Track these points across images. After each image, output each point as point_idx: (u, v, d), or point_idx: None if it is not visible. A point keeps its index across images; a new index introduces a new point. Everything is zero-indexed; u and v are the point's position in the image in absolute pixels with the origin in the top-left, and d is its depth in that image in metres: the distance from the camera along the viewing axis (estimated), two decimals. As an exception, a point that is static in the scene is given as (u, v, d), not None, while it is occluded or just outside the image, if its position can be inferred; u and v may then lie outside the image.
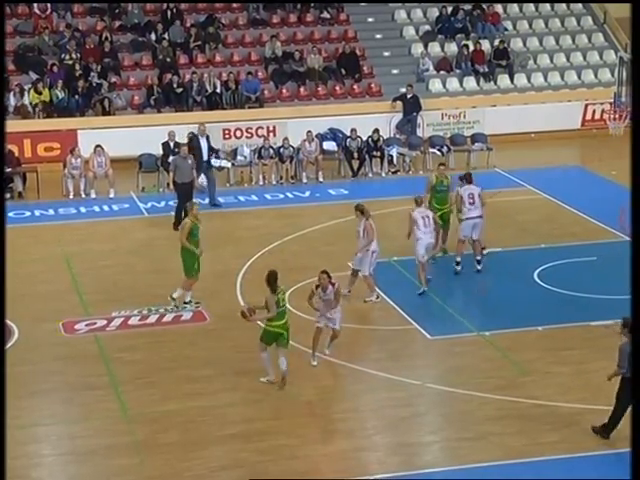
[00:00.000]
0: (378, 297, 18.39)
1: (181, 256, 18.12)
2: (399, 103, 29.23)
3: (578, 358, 15.70)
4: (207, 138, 24.63)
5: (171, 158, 23.67)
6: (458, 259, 19.70)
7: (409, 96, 29.07)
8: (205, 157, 24.26)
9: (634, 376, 11.63)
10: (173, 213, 22.68)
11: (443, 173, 20.51)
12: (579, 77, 32.14)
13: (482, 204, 19.49)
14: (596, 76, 32.15)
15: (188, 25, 31.38)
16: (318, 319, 15.92)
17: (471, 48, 31.87)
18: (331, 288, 15.70)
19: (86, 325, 17.66)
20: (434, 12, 33.24)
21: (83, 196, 25.40)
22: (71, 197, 25.32)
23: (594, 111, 30.32)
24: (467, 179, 19.75)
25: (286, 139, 26.72)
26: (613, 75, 29.88)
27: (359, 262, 18.37)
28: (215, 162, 25.99)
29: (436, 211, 19.67)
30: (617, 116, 27.01)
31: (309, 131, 26.71)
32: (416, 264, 18.69)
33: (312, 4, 32.55)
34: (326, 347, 16.13)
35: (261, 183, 26.27)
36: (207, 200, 24.24)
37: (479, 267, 19.68)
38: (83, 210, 24.52)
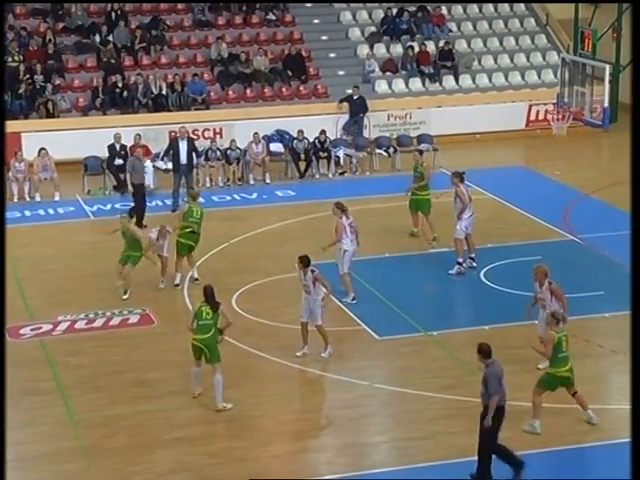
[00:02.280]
0: (354, 299, 18.30)
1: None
2: (345, 104, 29.30)
3: (525, 357, 15.83)
4: (189, 141, 24.39)
5: (129, 159, 23.70)
6: (460, 259, 19.69)
7: (355, 97, 29.15)
8: (184, 160, 23.87)
9: (634, 377, 11.04)
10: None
11: (418, 159, 21.48)
12: (523, 78, 32.44)
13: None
14: (539, 77, 32.46)
15: (133, 27, 31.18)
16: (302, 314, 16.18)
17: (416, 49, 32.02)
18: (310, 274, 15.98)
19: (31, 330, 17.49)
20: (379, 14, 33.37)
21: (28, 199, 25.12)
22: (15, 200, 25.00)
23: (538, 112, 30.62)
24: (462, 178, 19.88)
25: (233, 141, 26.65)
26: (556, 76, 30.21)
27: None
28: (161, 165, 25.87)
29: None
30: (560, 117, 27.34)
31: (256, 133, 26.67)
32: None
33: (257, 6, 32.51)
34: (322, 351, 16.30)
35: (208, 185, 26.19)
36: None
37: (475, 264, 19.83)
38: (28, 214, 24.25)
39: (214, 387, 14.62)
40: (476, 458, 12.90)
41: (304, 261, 16.10)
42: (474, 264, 19.84)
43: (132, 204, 22.41)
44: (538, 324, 15.60)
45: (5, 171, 23.97)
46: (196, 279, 19.23)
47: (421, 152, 22.40)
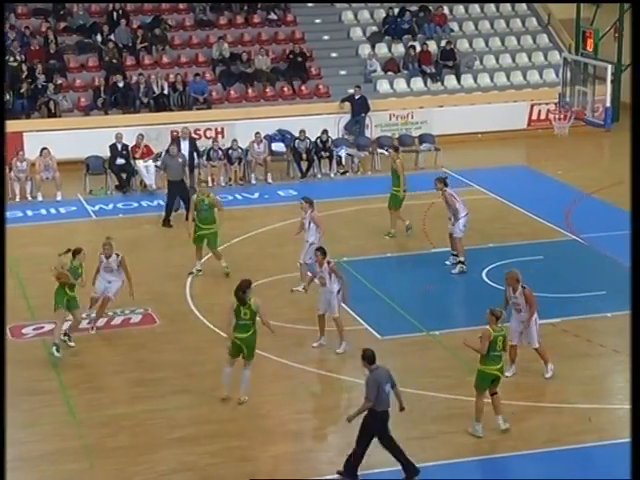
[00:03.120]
0: (305, 289, 18.13)
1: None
2: (347, 104, 29.31)
3: (526, 356, 15.84)
4: (191, 141, 24.39)
5: (161, 157, 23.78)
6: (462, 258, 19.81)
7: (357, 97, 29.15)
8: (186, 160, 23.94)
9: (634, 378, 11.11)
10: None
11: (392, 155, 22.29)
12: (524, 78, 32.44)
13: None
14: (541, 77, 32.46)
15: (134, 26, 31.20)
16: (319, 306, 16.37)
17: (418, 49, 32.03)
18: (326, 265, 16.18)
19: (33, 329, 17.50)
20: (381, 13, 33.37)
21: (29, 199, 25.15)
22: (17, 200, 25.04)
23: (539, 111, 30.61)
24: (445, 183, 19.99)
25: (234, 140, 26.65)
26: (558, 76, 30.22)
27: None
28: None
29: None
30: (562, 116, 27.34)
31: (257, 132, 26.68)
32: (307, 272, 18.42)
33: (259, 5, 32.52)
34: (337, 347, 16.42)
35: (210, 185, 26.16)
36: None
37: (451, 262, 20.14)
38: (29, 213, 24.27)
39: (242, 380, 14.72)
40: (476, 458, 12.93)
41: (322, 252, 16.32)
42: (451, 261, 20.02)
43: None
44: (510, 328, 15.38)
45: (5, 171, 24.00)
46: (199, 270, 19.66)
47: (396, 149, 22.65)
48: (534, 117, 30.72)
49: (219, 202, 19.91)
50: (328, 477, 13.05)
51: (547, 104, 29.89)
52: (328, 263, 16.28)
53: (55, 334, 16.30)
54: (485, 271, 19.76)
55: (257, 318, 14.78)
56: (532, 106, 30.72)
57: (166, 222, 22.81)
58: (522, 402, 14.28)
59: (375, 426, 12.64)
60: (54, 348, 16.11)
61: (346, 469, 12.85)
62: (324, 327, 16.57)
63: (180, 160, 23.04)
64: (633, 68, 15.80)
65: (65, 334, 16.66)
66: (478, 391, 13.90)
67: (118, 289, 17.31)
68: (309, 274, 18.00)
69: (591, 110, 26.91)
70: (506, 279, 15.48)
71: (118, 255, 17.34)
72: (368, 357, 12.73)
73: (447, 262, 20.12)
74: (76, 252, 16.67)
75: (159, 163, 23.91)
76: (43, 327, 17.50)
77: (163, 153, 25.85)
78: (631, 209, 11.68)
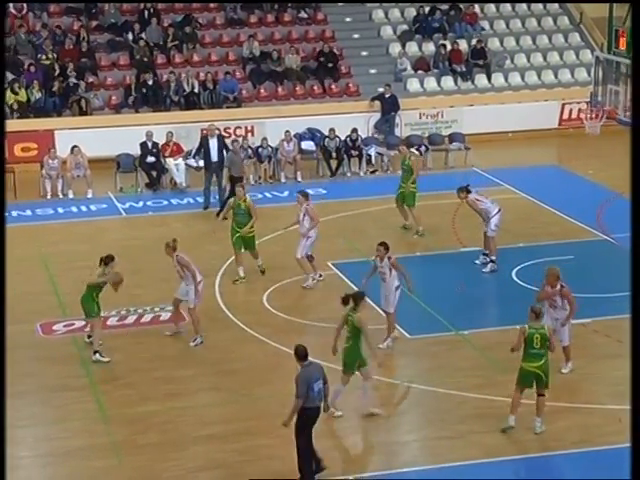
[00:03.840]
0: (320, 276, 18.19)
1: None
2: (377, 103, 29.26)
3: (556, 356, 15.74)
4: (219, 138, 24.47)
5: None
6: (493, 257, 19.85)
7: (387, 96, 29.10)
8: (215, 158, 23.97)
9: (633, 376, 11.05)
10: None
11: (406, 153, 22.35)
12: (556, 76, 32.27)
13: None
14: (573, 75, 32.29)
15: (165, 25, 31.31)
16: (382, 302, 16.46)
17: (448, 48, 31.93)
18: (387, 260, 16.21)
19: (64, 326, 17.60)
20: (412, 12, 33.29)
21: (60, 196, 25.30)
22: (48, 197, 25.22)
23: (571, 110, 30.44)
24: (468, 190, 19.94)
25: (264, 139, 26.69)
26: (589, 74, 29.96)
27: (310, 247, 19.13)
28: (192, 162, 25.97)
29: (399, 188, 21.98)
30: (594, 115, 27.11)
31: (287, 131, 26.70)
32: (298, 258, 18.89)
33: (289, 4, 32.55)
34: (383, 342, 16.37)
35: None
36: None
37: (482, 260, 20.15)
38: (60, 211, 24.42)
39: (362, 393, 14.26)
40: (505, 458, 12.87)
41: (385, 247, 16.36)
42: (481, 261, 20.01)
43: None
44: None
45: (5, 171, 24.11)
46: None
47: (409, 146, 22.96)
48: (565, 116, 30.54)
49: (254, 209, 19.60)
50: (357, 476, 13.02)
51: (578, 103, 29.68)
52: (389, 258, 16.31)
53: (95, 343, 16.27)
54: (515, 271, 19.67)
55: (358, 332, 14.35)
56: (563, 105, 30.54)
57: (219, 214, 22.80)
58: (553, 402, 14.19)
59: (302, 421, 12.48)
60: (97, 355, 16.11)
61: (301, 471, 12.61)
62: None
63: (242, 156, 23.67)
64: (633, 68, 15.70)
65: (89, 336, 16.73)
66: (517, 386, 13.85)
67: (193, 295, 16.70)
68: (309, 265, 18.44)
69: (623, 109, 26.67)
70: (546, 275, 15.41)
71: (177, 256, 16.81)
72: (300, 353, 12.63)
73: (477, 261, 20.05)
74: (108, 260, 16.44)
75: (226, 161, 24.08)
76: (74, 324, 17.60)
77: (193, 151, 26.00)
78: (631, 209, 11.61)
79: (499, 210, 19.86)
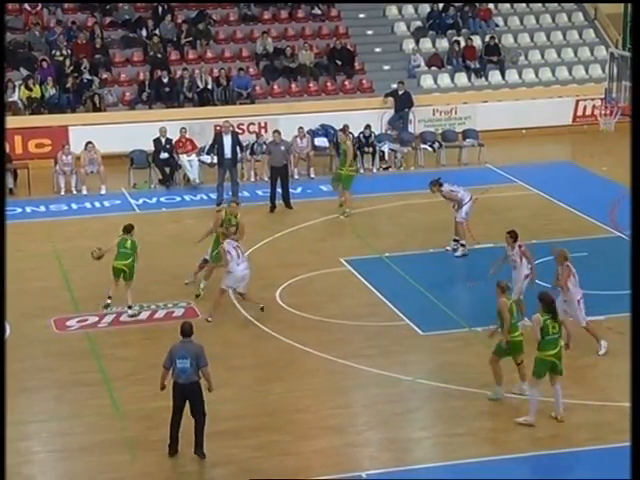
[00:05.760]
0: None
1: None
2: (390, 99, 29.23)
3: (569, 353, 15.71)
4: (233, 134, 24.41)
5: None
6: (463, 242, 20.38)
7: (401, 92, 29.06)
8: (229, 154, 23.92)
9: (633, 374, 11.10)
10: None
11: (342, 137, 23.78)
12: (570, 73, 32.17)
13: None
14: (587, 72, 32.18)
15: (179, 21, 31.34)
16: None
17: (462, 44, 31.86)
18: (517, 249, 16.74)
19: (77, 322, 17.64)
20: (425, 8, 33.24)
21: (74, 192, 25.36)
22: (62, 193, 25.28)
23: (585, 107, 30.35)
24: (440, 184, 20.50)
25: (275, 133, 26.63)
26: (604, 71, 29.88)
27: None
28: (206, 159, 25.99)
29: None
30: (608, 112, 27.01)
31: (300, 127, 26.68)
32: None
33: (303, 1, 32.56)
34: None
35: (252, 179, 26.25)
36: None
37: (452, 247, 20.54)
38: (74, 207, 24.48)
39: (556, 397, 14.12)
40: (519, 455, 12.86)
41: (513, 235, 16.74)
42: (452, 247, 20.42)
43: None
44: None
45: (5, 169, 24.18)
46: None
47: (344, 131, 24.09)
48: (579, 113, 30.45)
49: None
50: (369, 472, 13.03)
51: (593, 100, 29.62)
52: (519, 247, 16.64)
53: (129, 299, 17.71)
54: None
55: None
56: (577, 102, 30.45)
57: (272, 209, 23.46)
58: (566, 400, 14.16)
59: (174, 395, 13.29)
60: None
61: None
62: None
63: (283, 148, 23.93)
64: (633, 66, 15.61)
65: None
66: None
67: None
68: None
69: (638, 106, 26.57)
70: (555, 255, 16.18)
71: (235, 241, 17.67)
72: (182, 330, 13.43)
73: (447, 247, 20.43)
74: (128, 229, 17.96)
75: (265, 151, 24.98)
76: (87, 320, 17.65)
77: (207, 147, 26.02)
78: (631, 209, 11.58)
79: (471, 198, 20.38)
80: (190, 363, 13.23)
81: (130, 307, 17.79)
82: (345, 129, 24.36)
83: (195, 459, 13.28)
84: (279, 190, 23.66)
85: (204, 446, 13.25)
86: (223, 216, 18.57)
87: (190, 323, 13.56)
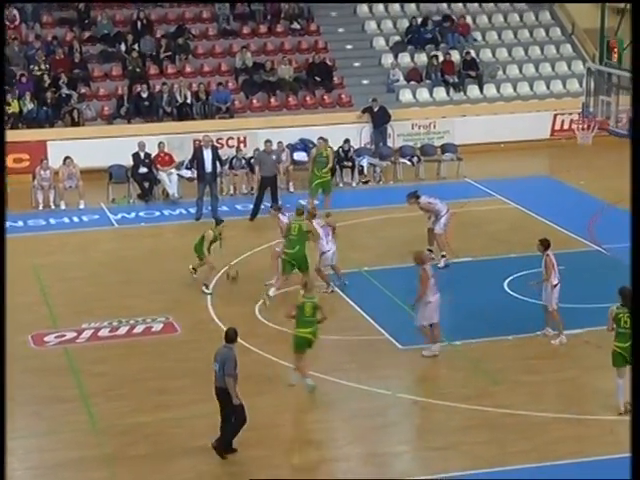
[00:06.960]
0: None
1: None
2: (367, 114, 29.29)
3: (548, 367, 15.76)
4: (213, 149, 24.42)
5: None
6: (444, 253, 20.59)
7: (376, 109, 29.10)
8: (209, 169, 23.92)
9: (634, 372, 11.14)
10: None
11: (323, 145, 24.50)
12: (548, 87, 32.35)
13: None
14: (565, 86, 32.37)
15: (158, 36, 31.33)
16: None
17: (441, 59, 31.99)
18: (545, 258, 16.96)
19: (55, 337, 17.56)
20: (404, 23, 33.37)
21: (53, 207, 25.26)
22: (40, 208, 25.18)
23: (563, 121, 30.52)
24: (417, 196, 20.67)
25: (257, 149, 26.68)
26: (581, 85, 30.00)
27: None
28: (186, 173, 25.97)
29: (315, 178, 24.10)
30: (585, 126, 27.15)
31: (280, 141, 26.69)
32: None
33: (282, 15, 32.59)
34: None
35: (231, 193, 26.23)
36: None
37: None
38: (53, 222, 24.38)
39: (619, 389, 14.46)
40: (497, 469, 12.88)
41: (544, 244, 16.96)
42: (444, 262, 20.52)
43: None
44: None
45: (5, 175, 24.05)
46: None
47: (324, 139, 24.69)
48: (557, 127, 30.62)
49: (219, 240, 19.53)
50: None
51: (570, 114, 29.74)
52: (547, 256, 16.80)
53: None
54: (507, 281, 19.68)
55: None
56: (555, 116, 30.62)
57: (252, 218, 23.86)
58: (544, 413, 14.20)
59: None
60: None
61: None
62: (550, 319, 16.98)
63: (274, 157, 24.31)
64: (633, 73, 15.71)
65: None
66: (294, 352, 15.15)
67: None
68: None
69: (615, 120, 26.74)
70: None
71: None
72: (225, 335, 13.65)
73: (439, 265, 20.30)
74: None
75: (253, 160, 25.22)
76: (65, 335, 17.57)
77: (186, 161, 26.00)
78: (631, 209, 11.63)
79: (448, 210, 20.57)
80: (219, 368, 13.42)
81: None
82: (324, 138, 24.95)
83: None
84: (266, 204, 23.66)
85: (225, 451, 13.53)
86: (211, 236, 19.35)
87: (234, 329, 13.67)
